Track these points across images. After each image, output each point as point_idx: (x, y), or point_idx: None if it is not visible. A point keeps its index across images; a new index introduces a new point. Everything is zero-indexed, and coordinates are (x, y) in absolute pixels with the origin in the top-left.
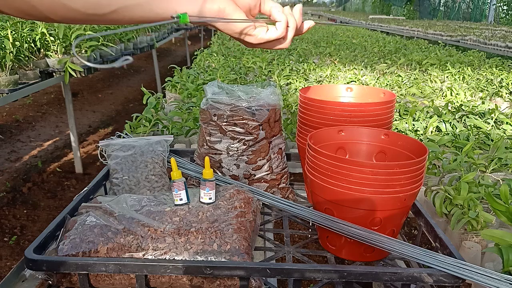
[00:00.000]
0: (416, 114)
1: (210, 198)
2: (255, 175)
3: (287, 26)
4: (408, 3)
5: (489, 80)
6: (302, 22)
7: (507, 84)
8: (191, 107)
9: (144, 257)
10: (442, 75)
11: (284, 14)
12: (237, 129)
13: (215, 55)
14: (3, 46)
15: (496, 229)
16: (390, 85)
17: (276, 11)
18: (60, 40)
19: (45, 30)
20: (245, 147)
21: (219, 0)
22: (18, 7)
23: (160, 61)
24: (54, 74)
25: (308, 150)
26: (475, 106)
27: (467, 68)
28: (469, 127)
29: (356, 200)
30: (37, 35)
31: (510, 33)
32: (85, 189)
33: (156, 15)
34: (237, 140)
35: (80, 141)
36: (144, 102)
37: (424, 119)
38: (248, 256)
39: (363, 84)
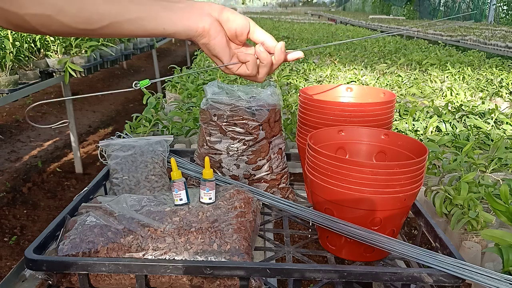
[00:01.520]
0: (416, 114)
1: (210, 198)
2: (255, 175)
3: (261, 62)
4: (408, 3)
5: (489, 80)
6: (287, 54)
7: (507, 84)
8: (191, 107)
9: (144, 257)
10: (442, 75)
11: (260, 51)
12: (237, 129)
13: None
14: (3, 46)
15: (496, 229)
16: (390, 85)
17: (258, 48)
18: (60, 40)
19: None
20: (245, 147)
21: (204, 20)
22: (9, 19)
23: (160, 61)
24: (54, 74)
25: (308, 150)
26: (475, 106)
27: (467, 68)
28: (469, 127)
29: (356, 200)
30: (37, 35)
31: (510, 33)
32: (85, 189)
33: (146, 32)
34: (237, 140)
35: (80, 141)
36: (144, 102)
37: (424, 119)
38: (248, 256)
39: (363, 84)
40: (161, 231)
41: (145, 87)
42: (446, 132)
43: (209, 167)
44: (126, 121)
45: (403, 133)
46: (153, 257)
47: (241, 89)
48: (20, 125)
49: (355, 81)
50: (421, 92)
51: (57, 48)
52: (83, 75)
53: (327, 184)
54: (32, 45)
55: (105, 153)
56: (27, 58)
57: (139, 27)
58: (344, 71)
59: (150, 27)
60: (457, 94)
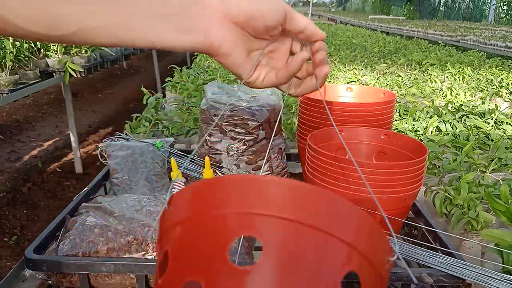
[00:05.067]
0: (416, 114)
1: None
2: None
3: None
4: (408, 3)
5: (489, 80)
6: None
7: (507, 84)
8: (191, 107)
9: (144, 257)
10: (442, 75)
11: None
12: (237, 129)
13: None
14: (3, 46)
15: (496, 229)
16: (390, 85)
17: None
18: None
19: None
20: (245, 147)
21: (216, 33)
22: None
23: (160, 61)
24: (54, 74)
25: (308, 150)
26: (475, 106)
27: (467, 68)
28: (469, 127)
29: (356, 200)
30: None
31: (510, 33)
32: (85, 189)
33: (121, 41)
34: (237, 140)
35: (80, 141)
36: (144, 102)
37: (424, 119)
38: (248, 256)
39: (363, 84)
40: None
41: (143, 87)
42: (446, 132)
43: (209, 167)
44: (126, 121)
45: (403, 133)
46: (153, 257)
47: (241, 89)
48: (20, 125)
49: (355, 81)
50: (421, 92)
51: (57, 48)
52: (83, 75)
53: (327, 184)
54: (32, 45)
55: (105, 153)
56: (27, 58)
57: (115, 37)
58: (344, 71)
59: (128, 38)
60: (457, 94)
